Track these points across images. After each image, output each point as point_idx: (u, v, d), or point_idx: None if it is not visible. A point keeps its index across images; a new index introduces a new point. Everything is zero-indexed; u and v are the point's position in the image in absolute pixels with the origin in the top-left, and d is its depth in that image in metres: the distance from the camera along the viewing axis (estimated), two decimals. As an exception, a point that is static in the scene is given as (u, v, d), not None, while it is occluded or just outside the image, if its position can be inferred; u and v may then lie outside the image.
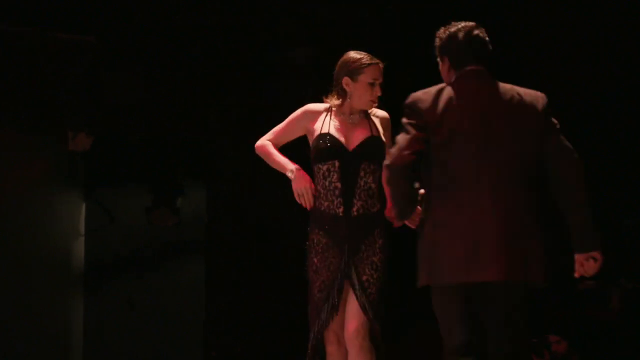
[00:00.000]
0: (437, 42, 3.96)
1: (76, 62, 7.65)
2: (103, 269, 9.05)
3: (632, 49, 8.00)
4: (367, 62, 4.48)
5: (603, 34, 7.93)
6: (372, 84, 4.48)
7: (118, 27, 7.72)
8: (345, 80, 4.48)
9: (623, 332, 7.41)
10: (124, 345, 8.90)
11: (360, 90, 4.48)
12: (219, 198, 8.68)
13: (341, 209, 4.41)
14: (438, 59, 3.96)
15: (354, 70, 4.45)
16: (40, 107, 7.85)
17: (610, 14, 7.85)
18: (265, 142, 4.63)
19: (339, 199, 4.42)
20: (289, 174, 4.52)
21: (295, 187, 4.47)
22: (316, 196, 4.49)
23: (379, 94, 4.51)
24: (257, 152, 4.62)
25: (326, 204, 4.45)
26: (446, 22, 4.19)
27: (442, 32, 3.93)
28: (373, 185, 4.47)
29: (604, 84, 8.03)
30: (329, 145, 4.43)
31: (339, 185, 4.43)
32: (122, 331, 8.92)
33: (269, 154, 4.58)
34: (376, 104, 4.55)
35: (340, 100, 4.53)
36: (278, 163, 4.55)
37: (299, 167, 4.53)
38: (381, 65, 4.52)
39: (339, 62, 4.54)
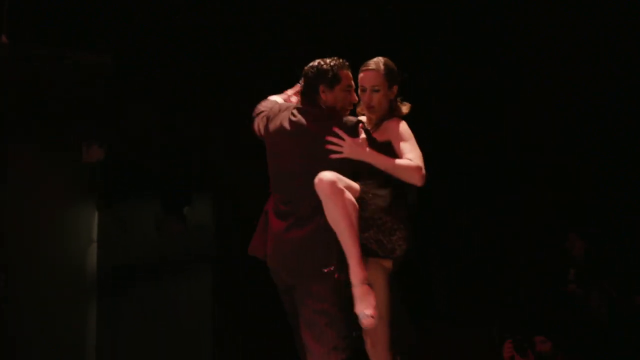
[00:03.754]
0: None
1: (93, 79, 7.72)
2: (115, 275, 9.03)
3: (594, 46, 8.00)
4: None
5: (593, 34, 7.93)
6: (363, 91, 4.52)
7: (132, 48, 7.77)
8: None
9: (605, 333, 7.40)
10: (135, 349, 8.86)
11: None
12: (224, 208, 8.74)
13: None
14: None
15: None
16: (58, 123, 7.94)
17: (610, 14, 7.84)
18: None
19: None
20: None
21: None
22: None
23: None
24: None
25: None
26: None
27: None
28: None
29: (595, 84, 8.05)
30: None
31: None
32: (133, 335, 8.90)
33: None
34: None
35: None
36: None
37: None
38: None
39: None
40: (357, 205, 4.10)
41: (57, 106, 7.81)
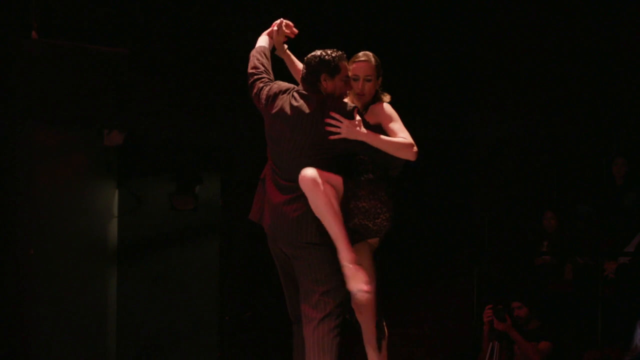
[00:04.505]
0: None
1: (112, 70, 7.97)
2: (133, 247, 9.45)
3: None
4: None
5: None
6: (356, 79, 4.61)
7: (148, 40, 8.03)
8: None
9: (575, 300, 7.68)
10: (150, 312, 9.33)
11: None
12: (231, 185, 9.08)
13: None
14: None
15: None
16: (81, 109, 8.19)
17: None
18: None
19: None
20: None
21: None
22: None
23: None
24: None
25: None
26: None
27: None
28: None
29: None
30: None
31: None
32: (149, 300, 9.35)
33: None
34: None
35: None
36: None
37: None
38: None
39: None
40: (338, 193, 4.35)
41: (80, 94, 8.05)
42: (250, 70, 4.61)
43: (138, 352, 9.34)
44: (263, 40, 4.71)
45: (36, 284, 8.80)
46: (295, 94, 4.41)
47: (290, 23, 4.73)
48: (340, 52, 4.41)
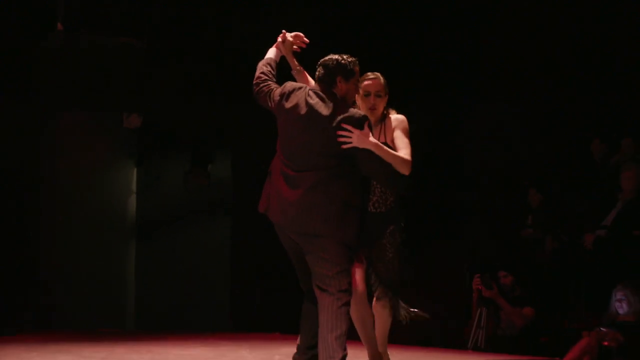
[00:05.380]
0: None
1: (130, 59, 8.28)
2: (150, 220, 9.93)
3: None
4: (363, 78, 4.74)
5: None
6: (367, 95, 4.76)
7: (163, 33, 8.26)
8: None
9: (555, 271, 7.66)
10: (166, 281, 9.77)
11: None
12: (241, 164, 9.35)
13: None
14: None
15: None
16: (102, 95, 8.56)
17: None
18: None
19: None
20: None
21: None
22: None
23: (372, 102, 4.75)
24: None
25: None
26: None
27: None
28: None
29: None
30: None
31: None
32: (165, 270, 9.80)
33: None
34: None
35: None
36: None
37: None
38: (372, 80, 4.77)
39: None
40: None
41: (101, 81, 8.38)
42: (255, 81, 4.73)
43: (154, 314, 9.69)
44: (271, 52, 4.78)
45: (63, 251, 9.26)
46: (311, 92, 4.48)
47: (300, 34, 4.77)
48: (354, 59, 4.53)
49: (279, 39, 4.75)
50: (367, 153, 4.42)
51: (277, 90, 4.56)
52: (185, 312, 9.60)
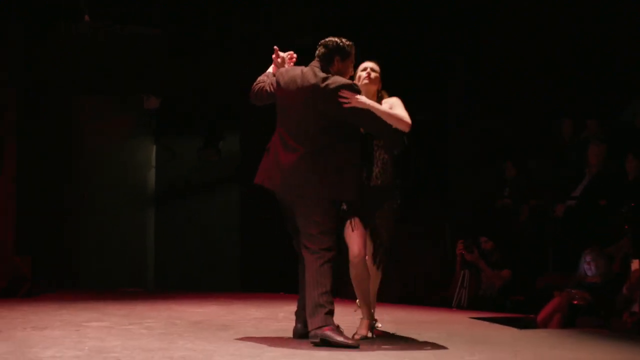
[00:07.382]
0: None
1: (150, 47, 8.59)
2: (168, 192, 10.27)
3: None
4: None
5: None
6: (364, 70, 4.90)
7: (177, 22, 8.50)
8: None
9: (530, 237, 7.87)
10: (182, 246, 10.11)
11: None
12: (249, 141, 9.58)
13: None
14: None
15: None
16: (124, 79, 8.85)
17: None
18: None
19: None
20: None
21: None
22: None
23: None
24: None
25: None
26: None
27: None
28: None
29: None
30: None
31: None
32: (181, 236, 10.12)
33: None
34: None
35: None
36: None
37: None
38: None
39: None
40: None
41: (123, 67, 8.70)
42: (252, 87, 4.87)
43: (172, 275, 10.03)
44: (269, 68, 4.94)
45: (92, 219, 9.64)
46: (305, 67, 4.66)
47: (292, 53, 4.87)
48: (350, 42, 4.73)
49: (274, 57, 4.88)
50: (369, 113, 4.57)
51: (274, 78, 4.74)
52: (199, 274, 9.86)
